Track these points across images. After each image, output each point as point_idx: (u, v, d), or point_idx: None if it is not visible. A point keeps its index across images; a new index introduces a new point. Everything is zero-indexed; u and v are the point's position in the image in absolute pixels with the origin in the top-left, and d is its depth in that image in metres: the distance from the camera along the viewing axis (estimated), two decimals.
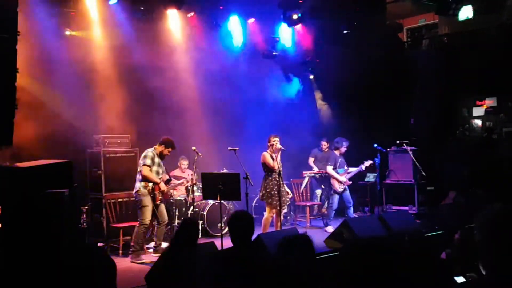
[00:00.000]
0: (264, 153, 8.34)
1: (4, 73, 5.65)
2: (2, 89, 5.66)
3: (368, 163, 10.03)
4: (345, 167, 9.96)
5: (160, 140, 7.97)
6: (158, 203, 7.79)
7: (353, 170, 10.03)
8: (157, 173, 7.82)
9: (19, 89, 5.74)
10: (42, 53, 8.35)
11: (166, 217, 8.00)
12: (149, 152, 7.82)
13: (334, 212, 9.87)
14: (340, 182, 9.80)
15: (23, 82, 6.70)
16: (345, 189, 9.89)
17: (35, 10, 8.20)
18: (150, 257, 7.75)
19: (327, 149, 10.98)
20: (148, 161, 7.73)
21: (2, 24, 5.60)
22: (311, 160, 11.08)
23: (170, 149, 7.95)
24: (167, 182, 8.07)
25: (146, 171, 7.70)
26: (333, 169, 9.85)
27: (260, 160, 8.37)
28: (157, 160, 7.84)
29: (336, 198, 9.86)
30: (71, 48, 9.01)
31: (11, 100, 5.70)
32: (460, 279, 3.64)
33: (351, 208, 9.93)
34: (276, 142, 8.24)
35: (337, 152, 9.97)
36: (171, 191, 9.11)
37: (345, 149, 9.94)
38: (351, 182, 10.02)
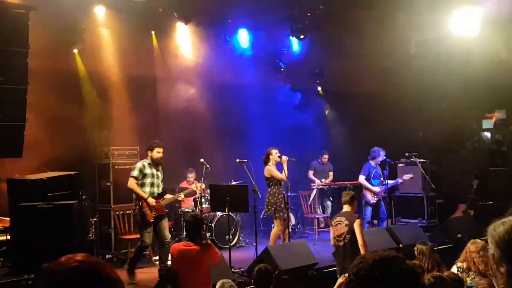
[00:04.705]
0: (269, 167, 8.15)
1: (15, 86, 5.72)
2: (14, 102, 5.72)
3: (407, 176, 9.88)
4: (381, 179, 9.59)
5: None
6: (150, 221, 6.99)
7: (390, 182, 9.68)
8: (152, 184, 7.15)
9: (29, 102, 5.80)
10: (53, 66, 8.43)
11: (168, 236, 7.21)
12: (138, 163, 7.20)
13: (368, 224, 9.56)
14: (373, 193, 9.51)
15: (33, 95, 6.77)
16: (380, 201, 9.55)
17: (46, 23, 8.29)
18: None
19: (326, 161, 11.06)
20: (135, 173, 7.06)
21: (13, 38, 5.68)
22: (310, 173, 11.06)
23: (157, 150, 7.19)
24: (161, 195, 7.24)
25: (130, 182, 7.07)
26: (366, 179, 9.54)
27: (264, 174, 8.21)
28: (149, 171, 7.13)
29: (368, 209, 9.57)
30: (82, 61, 9.10)
31: (22, 113, 5.77)
32: None
33: (384, 222, 9.54)
34: (278, 153, 8.19)
35: (372, 162, 9.63)
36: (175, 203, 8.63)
37: (382, 158, 9.58)
38: (385, 194, 9.65)
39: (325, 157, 11.10)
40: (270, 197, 8.13)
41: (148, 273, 7.57)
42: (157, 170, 7.27)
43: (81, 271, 1.38)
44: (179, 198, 7.58)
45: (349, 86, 11.32)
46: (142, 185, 7.08)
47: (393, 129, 11.21)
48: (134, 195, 7.19)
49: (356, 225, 6.11)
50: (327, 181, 10.91)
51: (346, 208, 6.42)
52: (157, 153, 7.19)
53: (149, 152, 7.22)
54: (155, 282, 6.71)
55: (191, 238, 5.39)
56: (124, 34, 9.32)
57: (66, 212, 5.85)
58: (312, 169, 11.11)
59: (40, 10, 6.79)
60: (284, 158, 8.08)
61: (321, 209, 11.03)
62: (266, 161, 8.23)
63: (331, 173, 11.14)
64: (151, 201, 7.02)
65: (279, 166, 8.22)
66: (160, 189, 7.25)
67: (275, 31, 11.11)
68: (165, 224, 7.25)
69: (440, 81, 11.40)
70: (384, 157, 9.64)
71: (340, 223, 6.26)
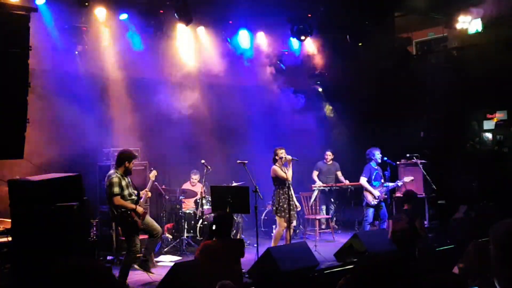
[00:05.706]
0: (274, 167, 8.25)
1: (16, 87, 5.72)
2: (14, 104, 5.72)
3: (408, 179, 9.83)
4: (382, 180, 9.58)
5: (118, 158, 7.05)
6: (142, 226, 6.99)
7: (390, 184, 9.68)
8: (130, 195, 6.96)
9: (30, 103, 5.79)
10: (53, 67, 8.44)
11: (157, 228, 7.25)
12: (113, 178, 6.83)
13: (369, 225, 9.56)
14: (373, 196, 9.46)
15: (35, 96, 6.77)
16: (381, 203, 9.51)
17: (47, 25, 8.31)
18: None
19: (331, 161, 11.01)
20: (116, 189, 6.78)
21: (14, 39, 5.67)
22: (314, 174, 11.01)
23: (134, 161, 7.10)
24: (138, 200, 7.07)
25: (117, 201, 6.79)
26: (368, 181, 9.50)
27: (270, 174, 8.31)
28: (124, 182, 6.90)
29: (370, 211, 9.51)
30: (83, 62, 9.11)
31: (23, 114, 5.76)
32: None
33: (385, 224, 9.41)
34: (284, 153, 8.21)
35: (373, 164, 9.58)
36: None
37: (379, 157, 9.54)
38: (386, 196, 9.63)
39: (328, 154, 11.01)
40: (275, 197, 8.26)
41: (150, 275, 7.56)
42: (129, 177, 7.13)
43: (80, 274, 1.38)
44: (149, 195, 7.50)
45: (350, 87, 11.31)
46: (122, 198, 6.89)
47: (394, 130, 11.21)
48: (115, 209, 6.88)
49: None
50: (347, 182, 10.75)
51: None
52: (133, 164, 7.09)
53: (126, 163, 6.96)
54: (156, 283, 6.69)
55: (221, 235, 5.77)
56: (125, 35, 9.34)
57: (67, 214, 5.83)
58: (317, 169, 11.07)
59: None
60: (288, 157, 8.12)
61: (324, 211, 11.00)
62: (275, 162, 8.30)
63: (339, 173, 11.08)
64: (140, 210, 6.97)
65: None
66: (136, 194, 7.12)
67: (275, 32, 11.12)
68: (149, 218, 7.22)
69: (441, 82, 11.40)
70: (381, 155, 9.61)
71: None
